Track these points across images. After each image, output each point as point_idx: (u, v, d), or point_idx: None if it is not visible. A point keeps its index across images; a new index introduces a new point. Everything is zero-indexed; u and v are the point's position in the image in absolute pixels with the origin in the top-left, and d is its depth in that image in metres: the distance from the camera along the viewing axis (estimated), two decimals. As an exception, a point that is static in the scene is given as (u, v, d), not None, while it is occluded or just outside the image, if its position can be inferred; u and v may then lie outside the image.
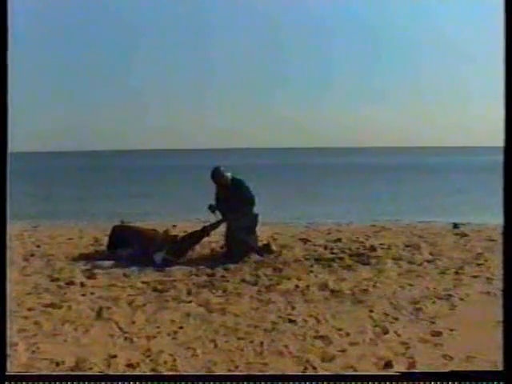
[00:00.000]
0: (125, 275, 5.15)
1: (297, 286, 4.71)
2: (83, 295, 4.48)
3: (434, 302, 4.24)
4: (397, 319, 3.83)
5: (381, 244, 6.74)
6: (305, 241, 7.02)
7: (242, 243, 5.93)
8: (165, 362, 3.07)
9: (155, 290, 4.63)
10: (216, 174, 6.12)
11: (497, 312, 2.62)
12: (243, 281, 4.93)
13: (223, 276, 5.11)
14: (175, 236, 6.28)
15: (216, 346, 3.35)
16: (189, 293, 4.53)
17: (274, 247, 6.28)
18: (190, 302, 4.26)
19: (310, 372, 2.95)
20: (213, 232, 6.27)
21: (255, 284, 4.81)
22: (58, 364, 3.03)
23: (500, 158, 2.05)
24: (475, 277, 5.04)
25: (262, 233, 7.78)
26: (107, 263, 5.62)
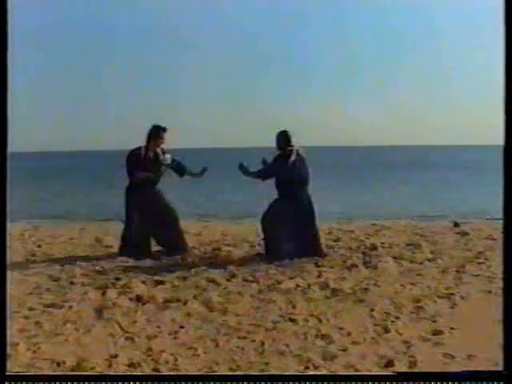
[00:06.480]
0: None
1: (297, 285, 4.71)
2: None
3: (434, 301, 4.23)
4: (398, 318, 3.83)
5: (382, 243, 6.74)
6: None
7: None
8: (166, 362, 3.08)
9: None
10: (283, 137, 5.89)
11: (498, 311, 2.62)
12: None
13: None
14: None
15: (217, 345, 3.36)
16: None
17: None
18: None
19: (311, 371, 2.95)
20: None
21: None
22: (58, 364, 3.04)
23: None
24: (476, 275, 5.04)
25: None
26: None
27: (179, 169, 6.28)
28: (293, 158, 5.77)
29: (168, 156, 6.13)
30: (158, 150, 6.06)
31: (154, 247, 6.46)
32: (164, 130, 6.05)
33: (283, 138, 5.88)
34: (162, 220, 6.07)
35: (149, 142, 6.01)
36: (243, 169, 5.97)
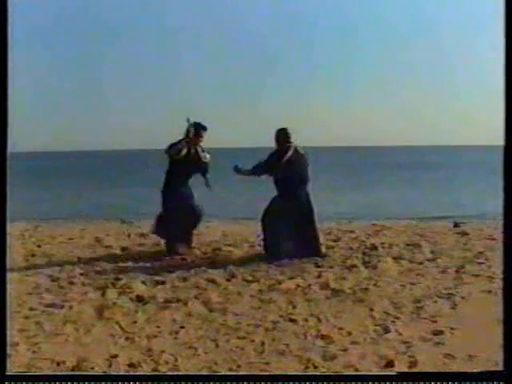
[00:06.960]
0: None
1: (298, 285, 4.71)
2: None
3: (435, 301, 4.23)
4: (398, 318, 3.83)
5: (382, 243, 6.73)
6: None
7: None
8: (166, 362, 3.08)
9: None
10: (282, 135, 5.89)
11: (498, 311, 2.62)
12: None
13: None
14: None
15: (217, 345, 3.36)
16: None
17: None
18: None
19: (311, 371, 2.95)
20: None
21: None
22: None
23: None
24: (476, 275, 5.03)
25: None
26: None
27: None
28: (289, 153, 5.78)
29: (207, 154, 6.12)
30: (198, 148, 6.05)
31: (154, 247, 6.47)
32: (204, 128, 6.05)
33: (282, 135, 5.90)
34: (183, 218, 6.06)
35: (187, 137, 5.95)
36: (238, 169, 6.00)
